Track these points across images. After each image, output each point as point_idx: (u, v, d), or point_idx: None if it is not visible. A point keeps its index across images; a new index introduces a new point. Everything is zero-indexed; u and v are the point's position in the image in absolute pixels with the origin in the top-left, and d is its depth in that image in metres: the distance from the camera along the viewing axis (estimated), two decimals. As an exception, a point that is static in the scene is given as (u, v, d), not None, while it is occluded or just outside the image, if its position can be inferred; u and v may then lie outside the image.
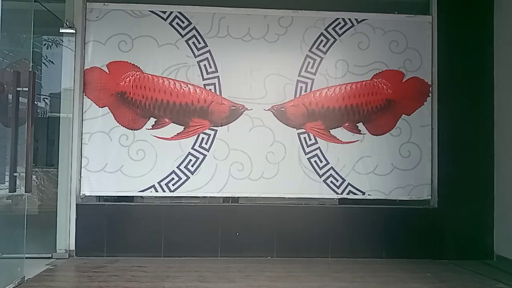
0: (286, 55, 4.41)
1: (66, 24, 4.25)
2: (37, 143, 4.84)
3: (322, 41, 4.41)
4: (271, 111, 4.31)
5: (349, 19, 4.44)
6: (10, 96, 3.63)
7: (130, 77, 4.28)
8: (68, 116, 4.22)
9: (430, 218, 4.29)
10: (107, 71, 4.27)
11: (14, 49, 4.75)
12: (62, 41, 4.52)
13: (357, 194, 4.31)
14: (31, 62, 4.07)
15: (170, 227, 4.15)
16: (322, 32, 4.41)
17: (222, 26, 4.35)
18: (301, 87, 4.37)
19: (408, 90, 4.41)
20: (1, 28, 3.14)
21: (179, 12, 4.33)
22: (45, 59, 6.05)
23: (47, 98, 6.60)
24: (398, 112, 4.40)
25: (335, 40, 4.42)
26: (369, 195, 4.32)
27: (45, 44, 6.02)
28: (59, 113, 4.33)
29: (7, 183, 3.35)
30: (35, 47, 5.86)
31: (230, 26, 4.35)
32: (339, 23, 4.43)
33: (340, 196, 4.32)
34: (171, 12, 4.32)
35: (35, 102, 4.81)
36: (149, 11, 4.32)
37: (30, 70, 3.71)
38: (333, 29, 4.43)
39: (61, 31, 4.30)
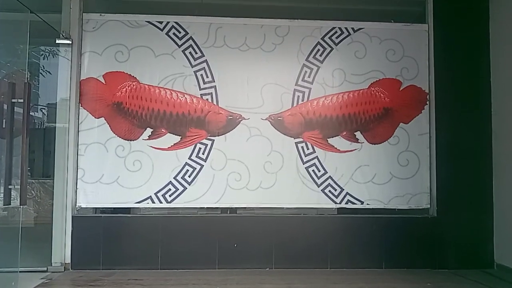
0: (283, 64, 4.40)
1: (63, 35, 4.24)
2: (33, 154, 4.83)
3: (319, 50, 4.41)
4: (268, 121, 4.29)
5: (346, 28, 4.45)
6: (5, 107, 3.62)
7: (127, 87, 4.26)
8: (64, 126, 4.20)
9: (429, 227, 4.25)
10: (103, 81, 4.25)
11: (10, 60, 4.75)
12: (59, 51, 4.51)
13: (355, 204, 4.28)
14: (27, 73, 4.07)
15: (167, 239, 4.10)
16: (319, 41, 4.42)
17: (218, 36, 4.35)
18: (298, 96, 4.36)
19: (405, 98, 4.40)
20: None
21: (176, 22, 4.33)
22: (42, 69, 6.05)
23: (44, 108, 6.57)
24: (396, 120, 4.39)
25: (332, 49, 4.42)
26: (368, 204, 4.29)
27: (42, 54, 6.02)
28: (55, 125, 4.31)
29: (2, 195, 3.31)
30: (33, 58, 5.87)
31: (226, 36, 4.35)
32: (336, 32, 4.44)
33: (338, 206, 4.29)
34: (168, 23, 4.32)
35: (32, 113, 4.81)
36: (145, 21, 4.31)
37: (26, 81, 3.69)
38: (330, 38, 4.43)
39: (57, 41, 4.29)
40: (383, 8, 4.81)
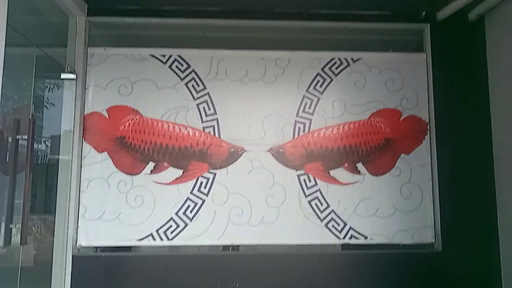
0: (283, 95, 4.43)
1: (67, 70, 4.31)
2: (35, 189, 4.81)
3: (319, 81, 4.45)
4: (270, 153, 4.29)
5: (345, 58, 4.49)
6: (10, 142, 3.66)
7: (130, 121, 4.30)
8: (68, 159, 4.20)
9: (435, 262, 4.15)
10: (107, 115, 4.30)
11: (15, 94, 4.82)
12: (64, 84, 4.58)
13: (359, 239, 4.20)
14: (31, 108, 4.12)
15: (168, 278, 4.01)
16: (318, 72, 4.46)
17: (220, 68, 4.41)
18: (299, 127, 4.38)
19: (406, 128, 4.40)
20: (3, 73, 3.17)
21: (179, 56, 4.40)
22: (46, 101, 6.13)
23: (48, 140, 6.60)
24: (397, 151, 4.37)
25: (332, 79, 4.46)
26: (371, 239, 4.21)
27: (47, 86, 6.11)
28: (59, 159, 4.32)
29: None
30: (38, 89, 5.95)
31: (228, 68, 4.41)
32: (335, 62, 4.49)
33: (342, 242, 4.21)
34: (171, 56, 4.39)
35: (35, 145, 4.83)
36: (149, 55, 4.39)
37: (30, 117, 3.74)
38: (329, 69, 4.48)
39: (62, 77, 4.34)
40: (381, 38, 4.85)
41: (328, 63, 4.48)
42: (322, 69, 4.47)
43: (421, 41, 4.63)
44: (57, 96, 5.63)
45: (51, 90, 6.09)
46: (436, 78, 4.46)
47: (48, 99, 6.14)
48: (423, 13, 4.51)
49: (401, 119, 4.43)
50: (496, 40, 4.32)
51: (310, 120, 4.39)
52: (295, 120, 4.38)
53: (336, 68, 4.48)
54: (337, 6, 4.46)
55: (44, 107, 6.19)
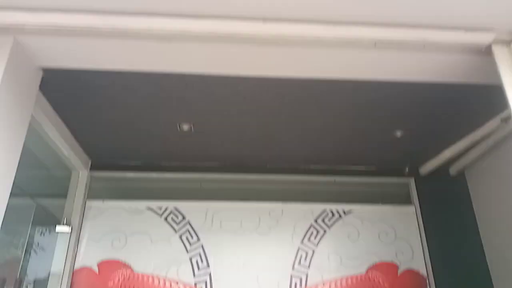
0: (278, 247, 4.40)
1: (64, 222, 4.34)
2: None
3: (312, 232, 4.50)
4: (266, 316, 4.07)
5: (337, 210, 4.63)
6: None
7: (119, 276, 4.16)
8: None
9: None
10: (97, 271, 4.18)
11: (3, 243, 4.71)
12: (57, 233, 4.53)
13: None
14: (20, 267, 3.99)
15: None
16: (312, 224, 4.54)
17: (215, 220, 4.48)
18: (296, 282, 4.24)
19: (405, 283, 4.28)
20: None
21: (175, 208, 4.51)
22: (36, 245, 6.01)
23: (30, 284, 6.24)
24: (400, 309, 4.19)
25: (325, 231, 4.51)
26: None
27: (39, 230, 6.06)
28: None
29: None
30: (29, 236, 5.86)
31: (223, 220, 4.48)
32: (327, 214, 4.60)
33: None
34: (167, 208, 4.50)
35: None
36: (146, 207, 4.49)
37: (17, 277, 3.61)
38: (322, 220, 4.57)
39: (57, 230, 4.36)
40: (370, 190, 5.05)
41: (320, 214, 4.60)
42: (315, 221, 4.56)
43: (408, 193, 4.84)
44: (47, 242, 5.55)
45: (42, 234, 6.02)
46: (427, 230, 4.53)
47: (38, 243, 6.02)
48: (407, 169, 4.84)
49: (398, 273, 4.35)
50: (479, 193, 4.54)
51: (307, 274, 4.29)
52: (291, 274, 4.27)
53: (329, 220, 4.58)
54: (325, 162, 4.79)
55: (33, 251, 6.02)
